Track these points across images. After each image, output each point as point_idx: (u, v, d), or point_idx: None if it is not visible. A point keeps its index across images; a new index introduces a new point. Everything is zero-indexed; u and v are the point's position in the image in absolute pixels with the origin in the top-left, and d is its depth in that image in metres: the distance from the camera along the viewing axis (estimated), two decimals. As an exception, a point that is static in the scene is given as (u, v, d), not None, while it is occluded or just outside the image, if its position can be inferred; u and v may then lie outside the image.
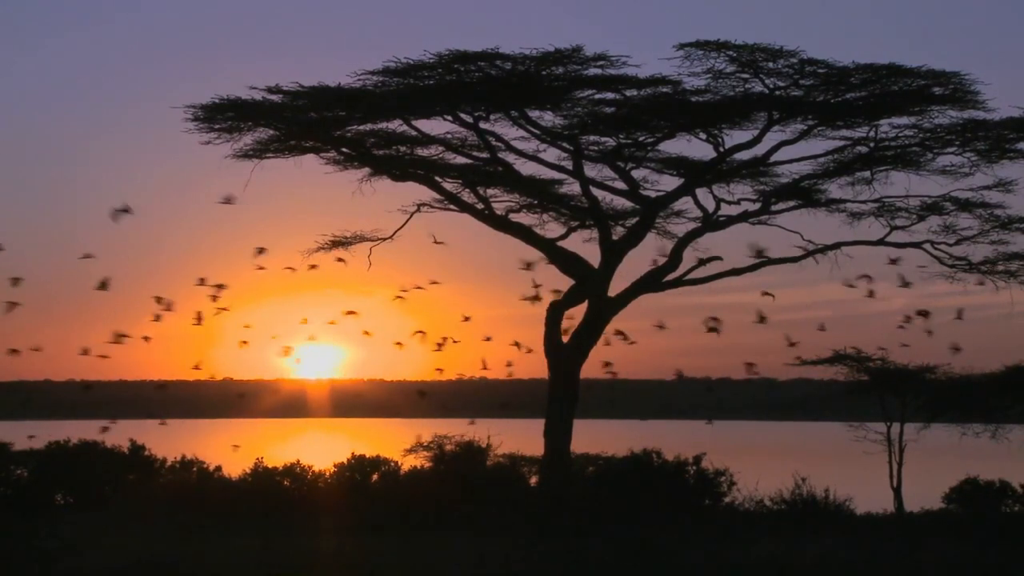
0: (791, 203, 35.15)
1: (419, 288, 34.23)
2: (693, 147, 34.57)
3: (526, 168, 34.94)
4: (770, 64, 31.69)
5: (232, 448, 42.56)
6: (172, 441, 44.27)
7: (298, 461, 35.68)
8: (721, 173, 34.55)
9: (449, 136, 34.53)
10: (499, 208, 35.33)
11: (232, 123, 33.52)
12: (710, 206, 34.66)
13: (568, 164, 34.26)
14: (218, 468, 36.85)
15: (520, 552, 25.79)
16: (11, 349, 30.89)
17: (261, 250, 32.74)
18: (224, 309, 32.03)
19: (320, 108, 33.40)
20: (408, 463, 36.70)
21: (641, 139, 34.36)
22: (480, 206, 35.00)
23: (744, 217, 34.79)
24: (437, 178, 34.82)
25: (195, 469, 36.99)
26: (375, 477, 36.07)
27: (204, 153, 39.60)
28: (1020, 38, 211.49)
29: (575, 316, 34.06)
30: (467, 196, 35.17)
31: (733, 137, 33.83)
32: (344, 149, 34.84)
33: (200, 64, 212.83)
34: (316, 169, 35.45)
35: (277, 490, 34.65)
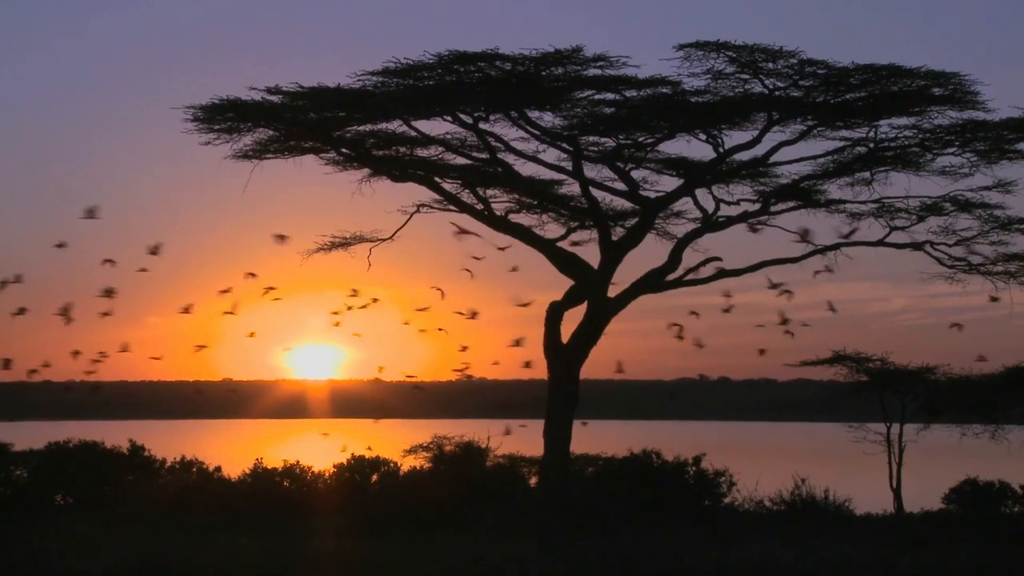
0: (791, 204, 35.16)
1: (437, 289, 34.06)
2: (693, 148, 34.62)
3: (526, 169, 34.99)
4: (770, 65, 31.69)
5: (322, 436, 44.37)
6: (186, 441, 44.48)
7: (298, 462, 35.69)
8: (721, 174, 34.55)
9: (449, 137, 34.57)
10: (499, 208, 35.37)
11: (232, 124, 33.53)
12: (710, 207, 34.68)
13: (568, 165, 34.26)
14: (218, 468, 36.88)
15: (520, 553, 25.79)
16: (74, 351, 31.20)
17: (282, 237, 32.91)
18: (277, 298, 32.92)
19: (320, 109, 33.41)
20: (407, 464, 36.70)
21: (641, 140, 34.36)
22: (480, 207, 35.01)
23: (744, 218, 34.78)
24: (437, 179, 34.83)
25: (195, 469, 36.98)
26: (375, 478, 36.06)
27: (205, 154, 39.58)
28: (1020, 38, 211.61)
29: (575, 316, 34.13)
30: (467, 196, 35.17)
31: (733, 138, 33.88)
32: (344, 150, 34.84)
33: (200, 64, 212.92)
34: (316, 170, 35.53)
35: (277, 491, 34.67)
